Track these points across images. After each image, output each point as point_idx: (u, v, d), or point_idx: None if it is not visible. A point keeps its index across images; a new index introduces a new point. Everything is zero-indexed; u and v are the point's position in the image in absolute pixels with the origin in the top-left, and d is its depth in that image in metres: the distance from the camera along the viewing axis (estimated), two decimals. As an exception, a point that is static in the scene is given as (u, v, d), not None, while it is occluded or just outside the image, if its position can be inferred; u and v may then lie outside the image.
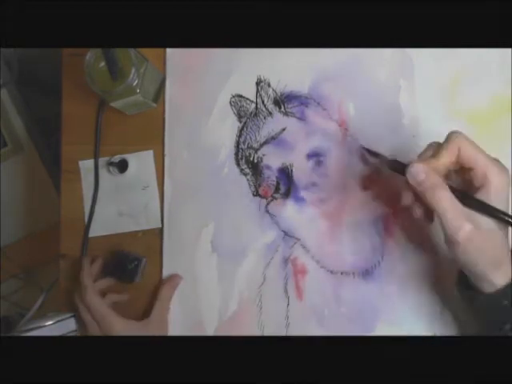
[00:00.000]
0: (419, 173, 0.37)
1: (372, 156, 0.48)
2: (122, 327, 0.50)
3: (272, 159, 0.53)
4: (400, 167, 0.40)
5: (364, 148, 0.49)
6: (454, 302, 0.47)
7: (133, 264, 0.55)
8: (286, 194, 0.53)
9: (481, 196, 0.37)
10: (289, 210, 0.53)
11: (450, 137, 0.38)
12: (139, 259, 0.55)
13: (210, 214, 0.55)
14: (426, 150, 0.40)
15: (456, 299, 0.43)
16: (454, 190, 0.37)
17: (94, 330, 0.51)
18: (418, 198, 0.39)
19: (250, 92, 0.55)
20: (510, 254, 0.37)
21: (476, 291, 0.38)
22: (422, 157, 0.40)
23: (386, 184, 0.50)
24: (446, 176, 0.39)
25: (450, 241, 0.36)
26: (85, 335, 0.53)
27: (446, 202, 0.36)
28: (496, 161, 0.38)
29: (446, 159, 0.37)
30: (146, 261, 0.56)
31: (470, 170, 0.38)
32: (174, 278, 0.54)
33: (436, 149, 0.39)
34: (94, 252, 0.58)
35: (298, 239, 0.52)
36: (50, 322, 0.52)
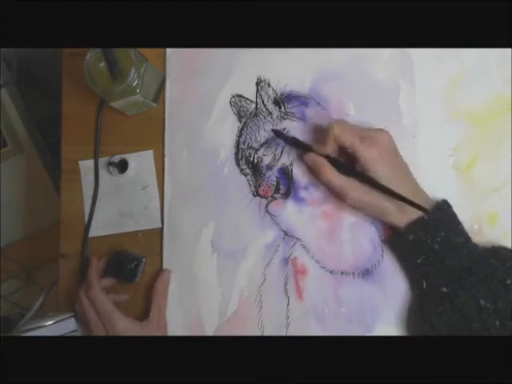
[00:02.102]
0: (308, 159, 0.49)
1: (279, 137, 0.53)
2: (124, 325, 0.50)
3: (272, 159, 0.53)
4: (300, 146, 0.51)
5: (272, 129, 0.53)
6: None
7: (133, 264, 0.55)
8: (286, 194, 0.53)
9: (359, 169, 0.46)
10: (289, 210, 0.53)
11: (328, 125, 0.48)
12: (139, 259, 0.55)
13: (210, 214, 0.55)
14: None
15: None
16: (338, 165, 0.47)
17: (96, 327, 0.51)
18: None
19: (250, 92, 0.55)
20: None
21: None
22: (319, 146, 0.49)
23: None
24: (342, 153, 0.48)
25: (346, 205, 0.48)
26: (85, 333, 0.54)
27: (329, 175, 0.47)
28: (366, 137, 0.46)
29: (329, 146, 0.47)
30: (146, 261, 0.56)
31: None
32: (164, 274, 0.55)
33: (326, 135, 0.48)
34: (94, 252, 0.57)
35: (298, 239, 0.52)
36: (50, 322, 0.52)
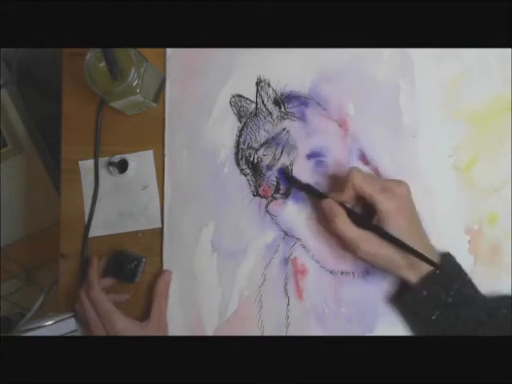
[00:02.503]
0: (325, 205, 0.47)
1: (292, 184, 0.52)
2: (124, 325, 0.50)
3: (272, 159, 0.53)
4: (315, 193, 0.51)
5: (290, 176, 0.53)
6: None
7: (133, 264, 0.55)
8: (286, 194, 0.53)
9: (377, 220, 0.45)
10: (289, 210, 0.53)
11: (347, 174, 0.46)
12: (139, 259, 0.55)
13: (210, 214, 0.55)
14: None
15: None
16: (354, 216, 0.46)
17: (96, 327, 0.51)
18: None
19: (250, 92, 0.55)
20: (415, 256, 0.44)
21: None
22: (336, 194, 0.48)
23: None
24: (359, 202, 0.48)
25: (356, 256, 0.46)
26: (85, 333, 0.53)
27: (343, 226, 0.46)
28: (385, 188, 0.45)
29: (347, 194, 0.46)
30: (146, 261, 0.56)
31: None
32: (165, 274, 0.54)
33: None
34: (94, 252, 0.58)
35: (298, 239, 0.52)
36: (50, 322, 0.52)
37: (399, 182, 0.46)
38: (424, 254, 0.43)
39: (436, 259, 0.44)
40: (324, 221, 0.50)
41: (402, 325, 0.49)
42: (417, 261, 0.44)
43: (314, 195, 0.51)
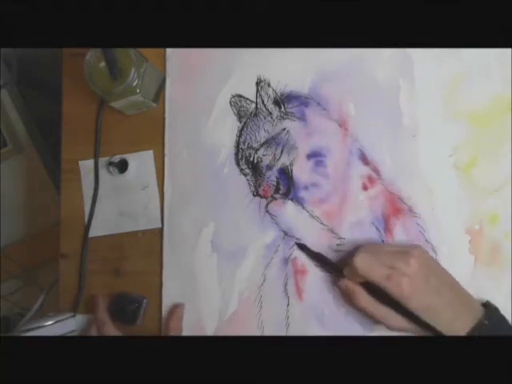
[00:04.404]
0: (341, 285, 0.47)
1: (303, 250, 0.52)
2: None
3: (272, 159, 0.53)
4: (327, 264, 0.51)
5: (297, 244, 0.52)
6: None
7: (133, 306, 0.55)
8: (286, 194, 0.53)
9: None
10: (289, 210, 0.53)
11: (352, 261, 0.45)
12: (140, 301, 0.55)
13: (210, 214, 0.55)
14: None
15: None
16: (374, 293, 0.45)
17: None
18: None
19: (250, 92, 0.55)
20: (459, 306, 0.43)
21: None
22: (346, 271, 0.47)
23: (386, 184, 0.51)
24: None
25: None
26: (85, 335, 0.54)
27: (363, 303, 0.45)
28: (392, 275, 0.42)
29: (357, 278, 0.46)
30: (147, 302, 0.55)
31: None
32: (178, 311, 0.53)
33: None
34: (94, 252, 0.58)
35: (298, 239, 0.52)
36: (50, 322, 0.52)
37: (409, 258, 0.43)
38: (463, 309, 0.42)
39: (479, 311, 0.43)
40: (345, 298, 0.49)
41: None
42: (465, 311, 0.42)
43: (325, 265, 0.51)
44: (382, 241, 0.50)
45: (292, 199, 0.53)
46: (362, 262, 0.44)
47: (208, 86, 0.56)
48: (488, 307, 0.45)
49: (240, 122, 0.55)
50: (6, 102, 0.83)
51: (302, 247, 0.52)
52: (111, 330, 0.52)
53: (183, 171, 0.56)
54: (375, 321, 0.46)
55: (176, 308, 0.54)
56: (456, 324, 0.42)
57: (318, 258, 0.51)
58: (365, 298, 0.45)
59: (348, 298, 0.48)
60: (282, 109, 0.54)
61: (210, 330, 0.53)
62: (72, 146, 0.59)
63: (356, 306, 0.46)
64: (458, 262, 0.48)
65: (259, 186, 0.53)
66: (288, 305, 0.52)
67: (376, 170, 0.51)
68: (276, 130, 0.53)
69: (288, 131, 0.53)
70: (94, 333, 0.53)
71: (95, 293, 0.57)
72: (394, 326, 0.45)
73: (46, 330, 0.52)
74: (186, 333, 0.54)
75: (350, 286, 0.46)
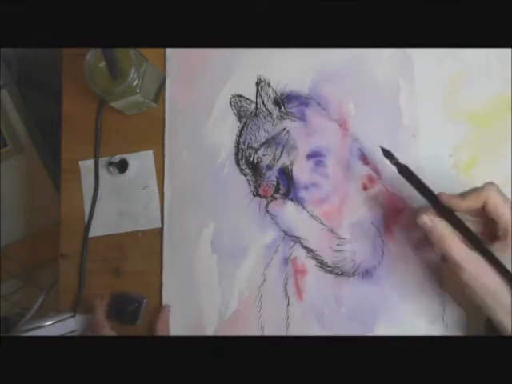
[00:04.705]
0: (426, 223, 0.40)
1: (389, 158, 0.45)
2: None
3: (272, 159, 0.53)
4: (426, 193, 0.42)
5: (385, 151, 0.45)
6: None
7: (133, 306, 0.55)
8: (286, 194, 0.53)
9: (497, 248, 0.38)
10: (289, 210, 0.53)
11: (483, 185, 0.39)
12: (140, 301, 0.55)
13: (210, 214, 0.55)
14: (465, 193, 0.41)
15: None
16: (469, 236, 0.38)
17: None
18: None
19: (250, 92, 0.55)
20: None
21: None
22: (451, 195, 0.41)
23: (386, 184, 0.51)
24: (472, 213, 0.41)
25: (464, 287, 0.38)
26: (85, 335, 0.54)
27: (456, 253, 0.38)
28: None
29: (470, 203, 0.39)
30: (147, 302, 0.55)
31: (494, 221, 0.39)
32: (164, 312, 0.54)
33: (468, 191, 0.40)
34: (94, 252, 0.58)
35: (298, 239, 0.52)
36: (50, 322, 0.52)
37: None
38: None
39: None
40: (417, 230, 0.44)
41: (404, 325, 0.49)
42: None
43: (422, 192, 0.42)
44: (382, 241, 0.50)
45: (292, 199, 0.53)
46: (497, 194, 0.38)
47: (208, 86, 0.56)
48: None
49: (240, 122, 0.55)
50: (6, 101, 0.83)
51: (388, 154, 0.44)
52: (108, 332, 0.52)
53: (183, 171, 0.56)
54: (450, 264, 0.39)
55: (163, 310, 0.54)
56: None
57: (417, 185, 0.42)
58: (459, 245, 0.38)
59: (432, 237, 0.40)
60: (282, 109, 0.54)
61: (210, 330, 0.53)
62: (72, 145, 0.59)
63: (447, 257, 0.38)
64: (457, 261, 0.48)
65: (259, 186, 0.53)
66: (288, 305, 0.52)
67: (376, 170, 0.51)
68: (276, 130, 0.53)
69: (288, 131, 0.53)
70: (90, 335, 0.53)
71: (95, 293, 0.57)
72: (475, 275, 0.37)
73: (46, 330, 0.52)
74: (186, 333, 0.54)
75: (443, 231, 0.39)
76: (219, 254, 0.54)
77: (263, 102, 0.54)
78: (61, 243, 0.59)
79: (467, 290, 0.38)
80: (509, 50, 0.49)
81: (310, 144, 0.53)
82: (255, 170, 0.54)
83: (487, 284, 0.37)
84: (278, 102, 0.54)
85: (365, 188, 0.51)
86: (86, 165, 0.59)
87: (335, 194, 0.52)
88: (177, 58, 0.57)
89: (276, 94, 0.54)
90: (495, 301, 0.37)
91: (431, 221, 0.40)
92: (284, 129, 0.53)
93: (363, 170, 0.51)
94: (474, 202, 0.39)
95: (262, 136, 0.54)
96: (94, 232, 0.58)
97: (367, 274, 0.50)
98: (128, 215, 0.57)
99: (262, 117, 0.54)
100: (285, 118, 0.53)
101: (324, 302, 0.51)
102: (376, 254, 0.50)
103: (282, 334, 0.52)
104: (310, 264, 0.52)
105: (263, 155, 0.53)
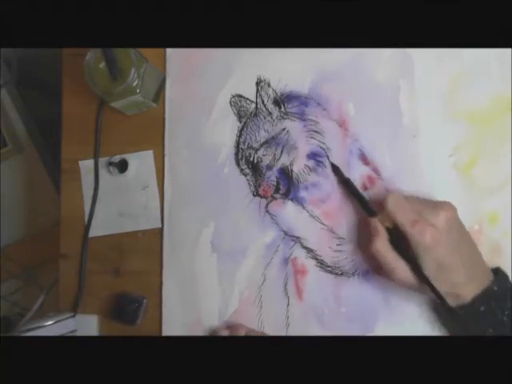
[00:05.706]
0: (371, 223, 0.46)
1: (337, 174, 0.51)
2: None
3: (272, 159, 0.53)
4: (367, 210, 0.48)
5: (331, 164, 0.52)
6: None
7: (133, 306, 0.55)
8: (286, 194, 0.53)
9: (411, 251, 0.43)
10: (289, 210, 0.53)
11: (384, 199, 0.45)
12: (140, 301, 0.55)
13: (210, 214, 0.55)
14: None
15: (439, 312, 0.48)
16: (395, 241, 0.45)
17: None
18: None
19: (250, 92, 0.55)
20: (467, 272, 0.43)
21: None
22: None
23: (386, 184, 0.51)
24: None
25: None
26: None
27: (379, 246, 0.44)
28: (418, 220, 0.43)
29: (384, 219, 0.45)
30: (147, 302, 0.55)
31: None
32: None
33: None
34: (94, 252, 0.58)
35: (298, 239, 0.52)
36: (50, 322, 0.52)
37: (438, 209, 0.43)
38: (475, 273, 0.43)
39: (489, 277, 0.43)
40: (365, 236, 0.49)
41: (404, 325, 0.49)
42: (476, 275, 0.43)
43: (364, 208, 0.49)
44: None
45: (292, 199, 0.53)
46: (393, 201, 0.44)
47: (208, 86, 0.56)
48: (499, 274, 0.45)
49: (240, 122, 0.55)
50: (6, 102, 0.83)
51: (336, 170, 0.51)
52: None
53: (183, 171, 0.56)
54: (381, 271, 0.45)
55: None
56: (465, 288, 0.43)
57: (348, 186, 0.50)
58: (383, 242, 0.44)
59: (367, 239, 0.46)
60: (282, 109, 0.54)
61: (210, 330, 0.53)
62: (72, 146, 0.59)
63: (372, 248, 0.45)
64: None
65: (259, 186, 0.53)
66: (288, 305, 0.52)
67: (376, 170, 0.51)
68: (276, 130, 0.53)
69: (288, 131, 0.53)
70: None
71: (95, 293, 0.57)
72: (399, 277, 0.44)
73: (46, 330, 0.52)
74: (186, 333, 0.54)
75: (376, 226, 0.45)
76: (219, 253, 0.54)
77: (263, 102, 0.54)
78: (61, 243, 0.59)
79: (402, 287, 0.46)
80: (509, 50, 0.49)
81: (309, 144, 0.53)
82: (255, 170, 0.54)
83: (414, 283, 0.44)
84: (277, 102, 0.54)
85: (365, 188, 0.51)
86: (86, 165, 0.59)
87: (335, 194, 0.52)
88: (177, 58, 0.57)
89: (276, 94, 0.54)
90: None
91: (374, 225, 0.46)
92: (284, 129, 0.53)
93: (363, 170, 0.51)
94: (386, 219, 0.45)
95: (262, 136, 0.54)
96: (93, 232, 0.58)
97: (367, 273, 0.50)
98: (128, 215, 0.57)
99: (262, 117, 0.54)
100: (285, 118, 0.53)
101: (324, 302, 0.51)
102: (376, 253, 0.50)
103: (282, 333, 0.52)
104: (310, 264, 0.52)
105: (263, 155, 0.53)
